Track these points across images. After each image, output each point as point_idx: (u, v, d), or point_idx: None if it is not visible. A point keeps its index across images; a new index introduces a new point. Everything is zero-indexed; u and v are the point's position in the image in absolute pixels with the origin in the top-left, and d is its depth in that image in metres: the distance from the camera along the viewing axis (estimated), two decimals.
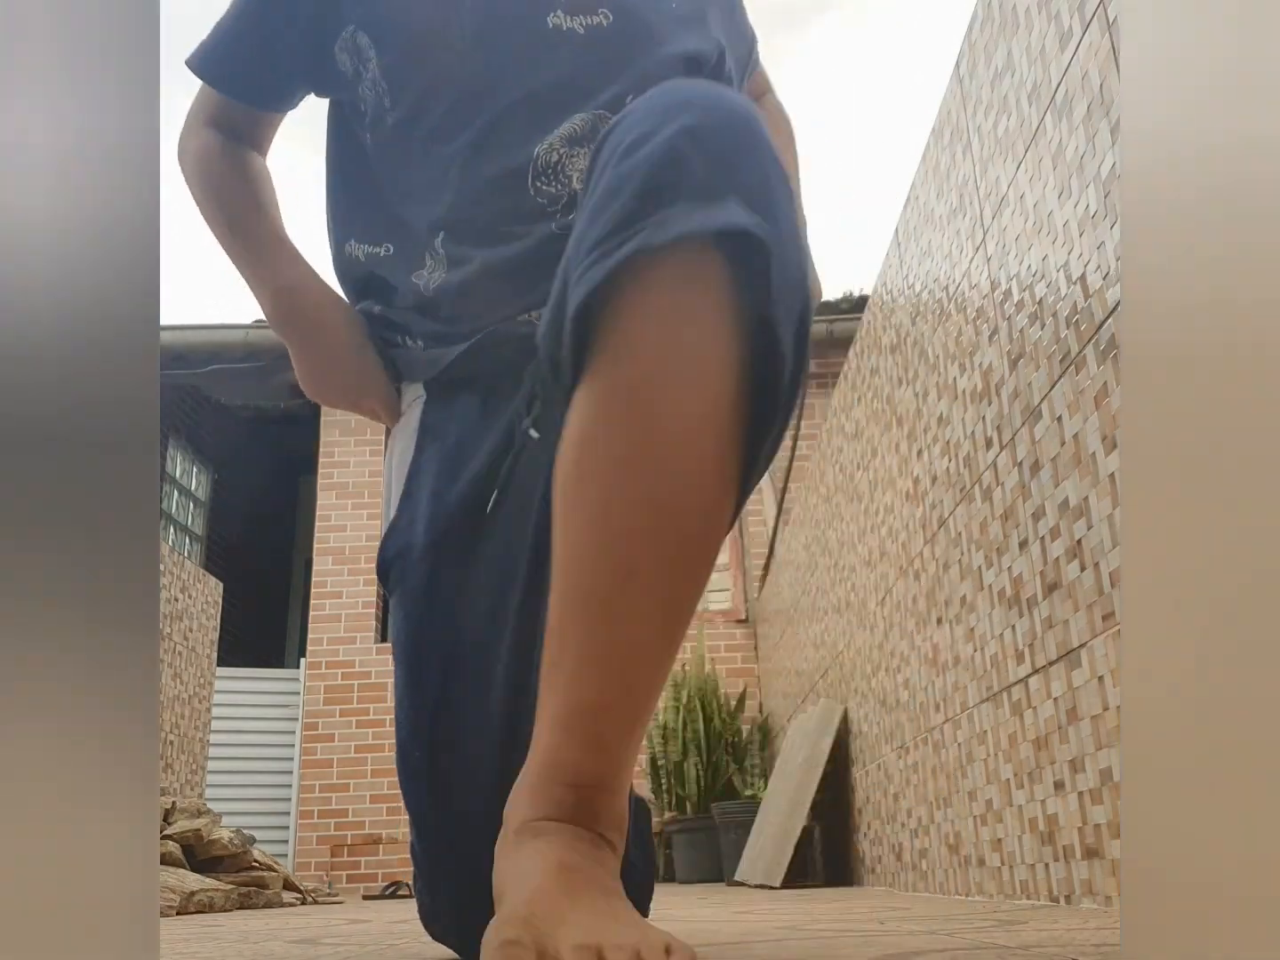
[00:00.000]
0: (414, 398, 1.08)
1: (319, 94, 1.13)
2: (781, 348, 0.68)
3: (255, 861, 2.98)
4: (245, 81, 1.10)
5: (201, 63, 1.10)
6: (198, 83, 1.13)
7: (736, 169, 0.68)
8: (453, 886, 0.93)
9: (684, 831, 4.82)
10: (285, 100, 1.13)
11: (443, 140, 1.00)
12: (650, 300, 0.66)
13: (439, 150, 1.00)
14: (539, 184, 0.97)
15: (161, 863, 2.69)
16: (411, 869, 1.01)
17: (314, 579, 6.07)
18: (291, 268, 1.09)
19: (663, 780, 5.09)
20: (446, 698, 0.95)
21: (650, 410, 0.67)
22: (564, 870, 0.63)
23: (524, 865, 0.65)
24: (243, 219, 1.10)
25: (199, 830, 2.85)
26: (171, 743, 4.37)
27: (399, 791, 0.98)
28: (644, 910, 1.01)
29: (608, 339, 0.67)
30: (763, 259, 0.66)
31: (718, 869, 4.29)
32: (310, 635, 5.94)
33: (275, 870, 3.03)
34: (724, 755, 5.04)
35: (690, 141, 0.67)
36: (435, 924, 0.99)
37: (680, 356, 0.66)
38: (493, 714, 0.92)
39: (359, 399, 1.10)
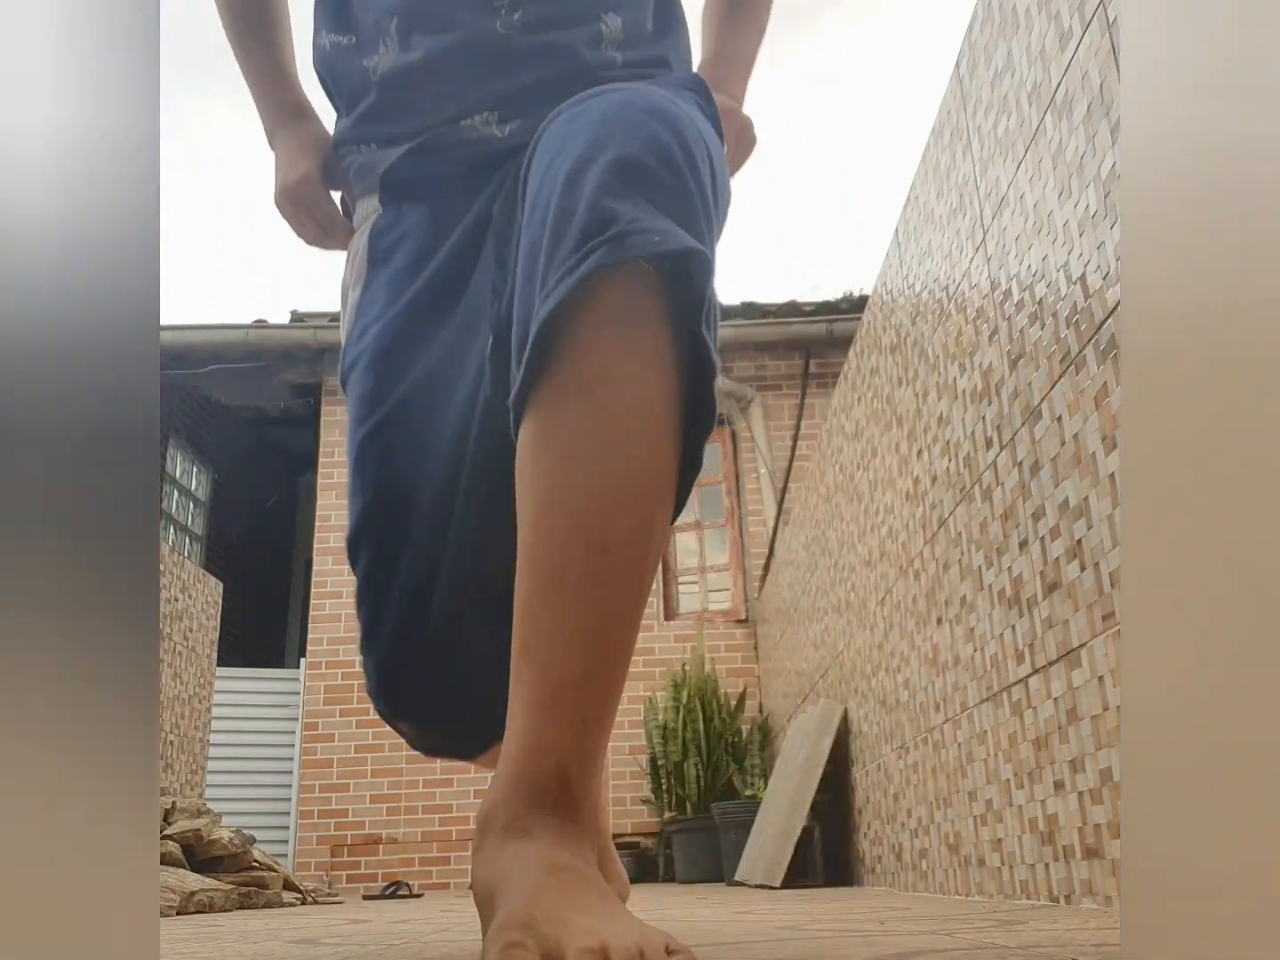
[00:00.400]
0: (368, 214, 1.13)
1: None
2: (712, 356, 0.77)
3: (255, 861, 2.98)
4: None
5: None
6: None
7: (671, 194, 0.76)
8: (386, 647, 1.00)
9: (684, 831, 4.82)
10: None
11: None
12: (604, 310, 0.73)
13: None
14: None
15: (161, 863, 2.69)
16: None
17: (314, 579, 6.07)
18: (286, 94, 1.24)
19: (663, 780, 5.10)
20: (396, 488, 1.02)
21: (608, 402, 0.74)
22: (557, 870, 0.64)
23: (515, 865, 0.66)
24: (254, 46, 1.24)
25: (199, 830, 2.85)
26: (171, 743, 4.37)
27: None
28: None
29: (568, 340, 0.74)
30: (701, 279, 0.74)
31: (718, 869, 4.30)
32: (310, 635, 5.94)
33: (275, 870, 3.03)
34: (724, 755, 5.04)
35: (626, 171, 0.75)
36: (382, 698, 1.04)
37: (632, 358, 0.74)
38: (436, 496, 1.00)
39: (304, 215, 1.19)
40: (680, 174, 0.77)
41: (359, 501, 1.03)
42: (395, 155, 1.06)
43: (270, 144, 1.24)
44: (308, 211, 1.19)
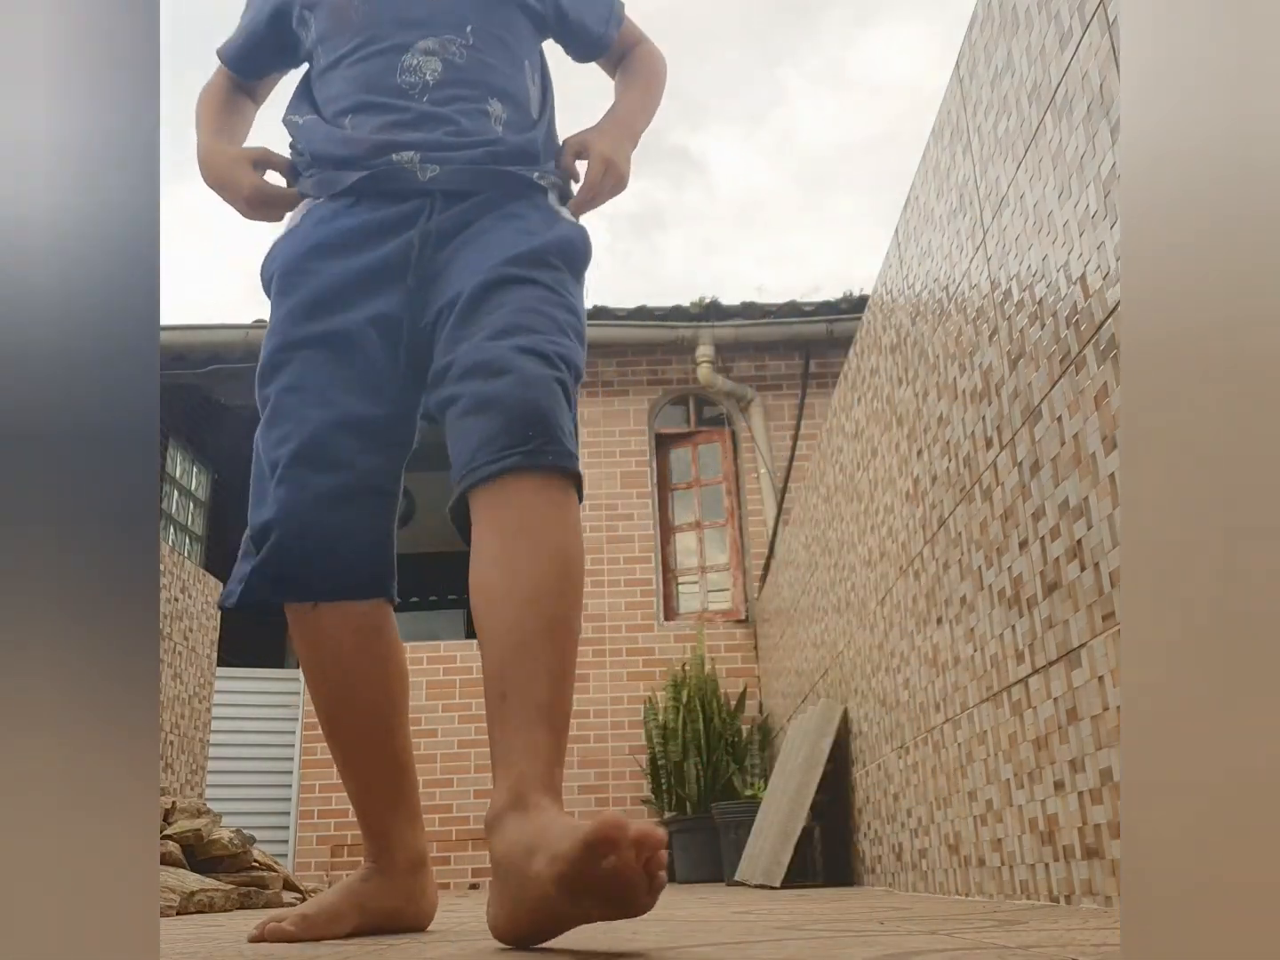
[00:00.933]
0: (308, 206, 1.50)
1: (294, 65, 1.66)
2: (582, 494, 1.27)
3: (255, 861, 2.98)
4: (238, 61, 1.66)
5: (222, 47, 1.67)
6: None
7: (556, 420, 1.22)
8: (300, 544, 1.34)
9: (684, 831, 4.82)
10: (263, 74, 1.69)
11: (348, 56, 1.52)
12: (530, 486, 1.19)
13: (345, 61, 1.52)
14: (404, 77, 1.49)
15: (161, 863, 2.69)
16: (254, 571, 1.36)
17: None
18: (214, 139, 1.58)
19: (663, 780, 5.09)
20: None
21: (542, 541, 1.17)
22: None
23: (553, 821, 0.98)
24: (204, 117, 1.62)
25: (199, 830, 2.85)
26: (171, 743, 4.37)
27: None
28: None
29: (502, 494, 1.19)
30: (579, 481, 1.24)
31: (718, 869, 4.30)
32: None
33: (275, 870, 3.03)
34: (724, 755, 5.04)
35: (525, 403, 1.21)
36: (276, 585, 1.35)
37: (555, 512, 1.20)
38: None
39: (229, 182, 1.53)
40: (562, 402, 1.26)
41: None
42: (350, 179, 1.45)
43: (204, 156, 1.57)
44: (245, 182, 1.52)
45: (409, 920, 1.40)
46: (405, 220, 1.42)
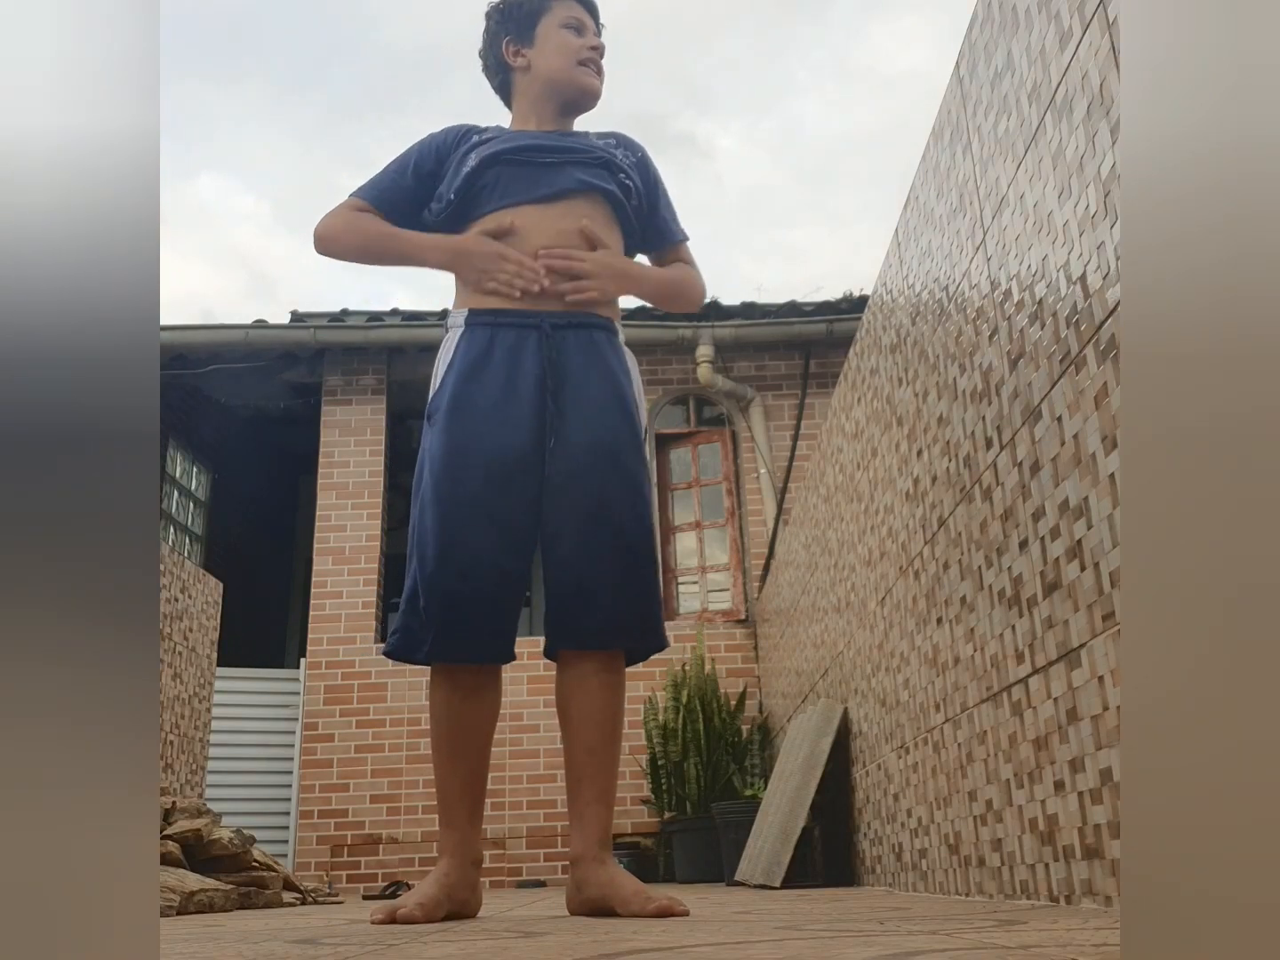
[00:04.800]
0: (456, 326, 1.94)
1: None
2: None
3: (255, 861, 2.98)
4: (388, 209, 2.04)
5: (365, 191, 2.05)
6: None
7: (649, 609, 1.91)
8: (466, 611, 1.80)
9: (684, 831, 4.82)
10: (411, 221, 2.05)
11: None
12: (599, 661, 1.87)
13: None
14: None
15: (161, 863, 2.68)
16: (409, 633, 1.83)
17: (314, 579, 6.07)
18: (431, 239, 2.00)
19: (663, 780, 5.09)
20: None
21: (612, 702, 1.88)
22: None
23: (619, 873, 1.76)
24: (382, 233, 2.00)
25: (199, 830, 2.85)
26: (171, 743, 4.37)
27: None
28: None
29: (579, 666, 1.89)
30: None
31: (718, 869, 4.29)
32: (310, 635, 5.93)
33: (275, 870, 3.03)
34: (724, 755, 5.04)
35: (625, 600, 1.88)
36: (439, 644, 1.80)
37: (608, 678, 1.88)
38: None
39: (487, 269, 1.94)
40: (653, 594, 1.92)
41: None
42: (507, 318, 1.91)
43: (455, 260, 1.97)
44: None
45: (471, 908, 1.79)
46: None
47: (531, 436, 1.82)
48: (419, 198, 2.03)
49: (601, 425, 1.86)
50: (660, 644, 1.90)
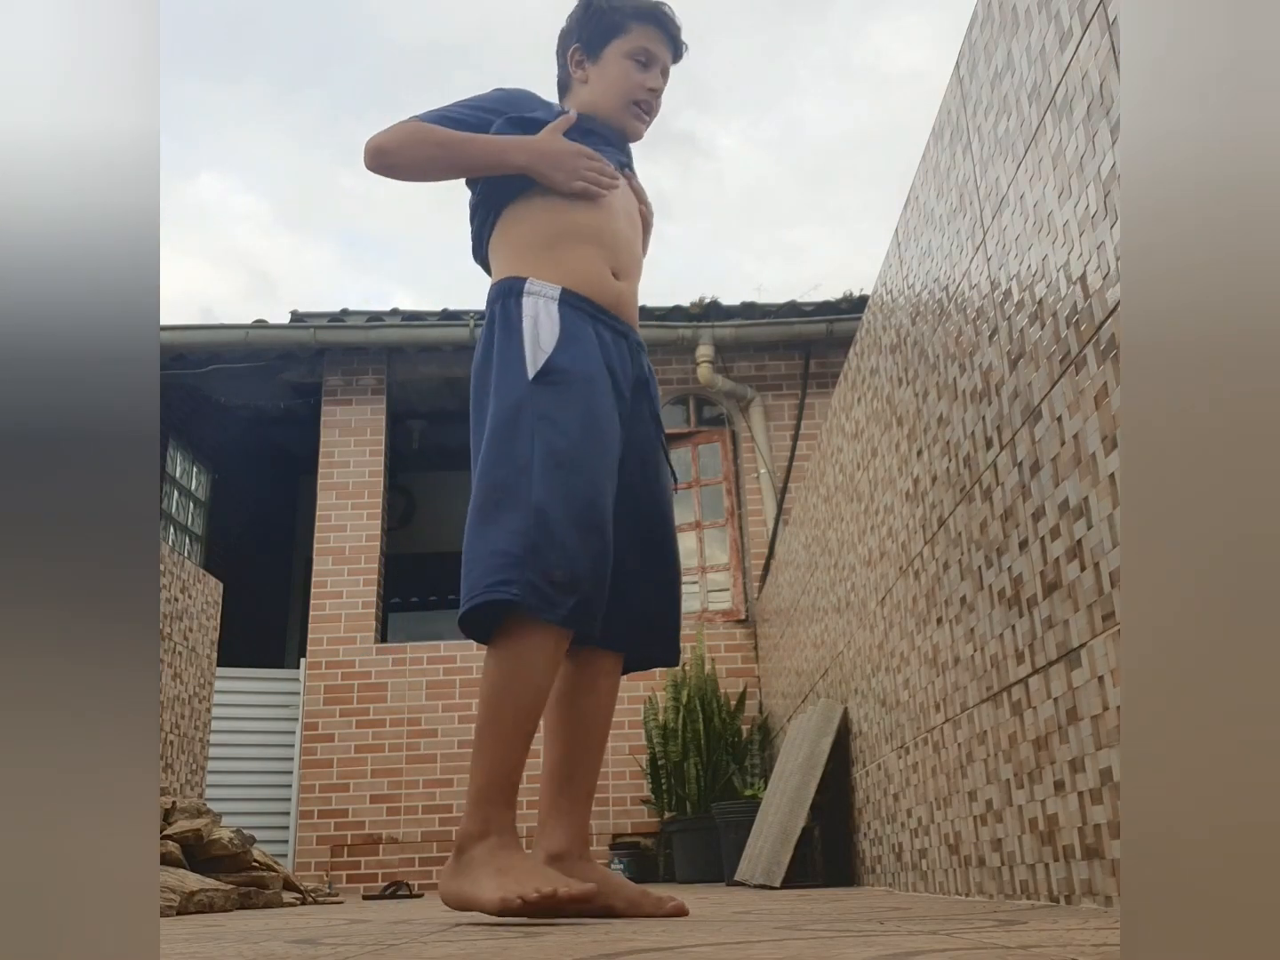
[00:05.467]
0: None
1: None
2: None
3: (255, 861, 2.98)
4: (445, 115, 1.95)
5: (423, 115, 1.95)
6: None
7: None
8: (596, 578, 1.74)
9: (684, 831, 4.82)
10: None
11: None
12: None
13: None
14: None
15: (161, 863, 2.68)
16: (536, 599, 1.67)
17: (314, 579, 6.07)
18: (509, 139, 1.95)
19: (663, 780, 5.09)
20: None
21: (612, 704, 1.97)
22: None
23: (610, 870, 1.86)
24: (453, 138, 1.91)
25: (199, 830, 2.85)
26: (171, 743, 4.37)
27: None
28: None
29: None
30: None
31: (718, 869, 4.29)
32: (310, 635, 5.93)
33: (275, 870, 3.03)
34: (724, 755, 5.04)
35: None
36: (571, 605, 1.68)
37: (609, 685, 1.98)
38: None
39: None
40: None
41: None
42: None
43: (525, 158, 1.92)
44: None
45: None
46: None
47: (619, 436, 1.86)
48: (483, 127, 1.97)
49: (657, 451, 2.03)
50: (678, 658, 1.97)
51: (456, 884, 1.61)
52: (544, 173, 1.91)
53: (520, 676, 1.66)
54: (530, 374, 1.77)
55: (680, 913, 1.57)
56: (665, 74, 2.11)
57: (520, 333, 1.82)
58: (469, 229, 2.08)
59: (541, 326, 1.82)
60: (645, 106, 2.08)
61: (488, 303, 1.93)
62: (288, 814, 5.74)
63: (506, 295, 1.88)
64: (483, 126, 1.95)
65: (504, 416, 1.76)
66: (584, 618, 1.70)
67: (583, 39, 2.08)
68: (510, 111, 1.98)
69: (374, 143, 1.89)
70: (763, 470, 6.18)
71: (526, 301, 1.85)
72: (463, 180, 2.03)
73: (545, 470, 1.71)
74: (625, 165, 2.08)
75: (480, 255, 2.06)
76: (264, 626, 8.26)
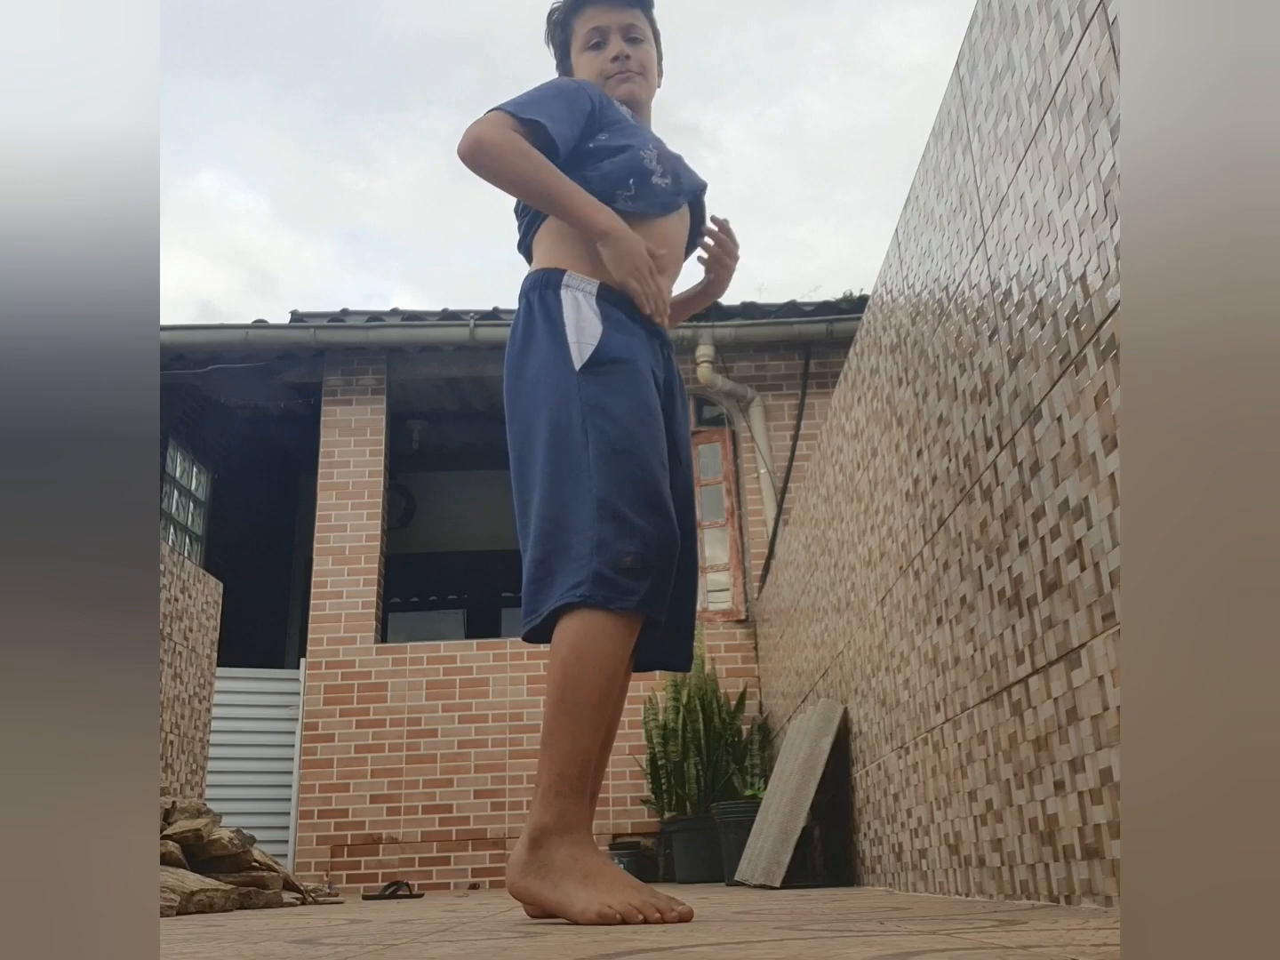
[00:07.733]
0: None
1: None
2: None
3: (255, 861, 2.98)
4: (555, 124, 1.88)
5: (520, 107, 1.88)
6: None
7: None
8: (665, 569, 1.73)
9: (684, 831, 4.82)
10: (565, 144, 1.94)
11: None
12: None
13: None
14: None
15: (161, 863, 2.68)
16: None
17: (314, 579, 6.07)
18: (603, 206, 1.90)
19: (663, 780, 5.09)
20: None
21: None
22: None
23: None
24: (556, 174, 1.86)
25: (199, 830, 2.85)
26: (171, 743, 4.37)
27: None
28: None
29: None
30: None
31: (718, 869, 4.29)
32: (310, 635, 5.93)
33: (275, 870, 3.03)
34: (724, 755, 5.04)
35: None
36: (641, 592, 1.69)
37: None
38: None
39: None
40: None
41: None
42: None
43: (607, 223, 1.87)
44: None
45: None
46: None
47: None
48: (579, 139, 1.95)
49: (689, 452, 2.01)
50: (691, 664, 1.99)
51: (538, 885, 1.57)
52: (610, 252, 1.87)
53: (593, 665, 1.65)
54: (577, 365, 1.79)
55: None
56: (628, 29, 2.10)
57: (562, 324, 1.83)
58: (516, 220, 2.07)
59: (584, 318, 1.84)
60: (618, 74, 2.08)
61: (522, 291, 1.93)
62: (288, 814, 5.74)
63: (544, 286, 1.89)
64: (576, 134, 1.93)
65: (557, 420, 1.77)
66: (656, 602, 1.70)
67: (557, 56, 2.16)
68: (585, 105, 1.95)
69: (478, 136, 1.83)
70: (763, 470, 6.18)
71: (565, 294, 1.86)
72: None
73: (602, 460, 1.72)
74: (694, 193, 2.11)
75: (525, 245, 2.05)
76: (264, 626, 8.26)
